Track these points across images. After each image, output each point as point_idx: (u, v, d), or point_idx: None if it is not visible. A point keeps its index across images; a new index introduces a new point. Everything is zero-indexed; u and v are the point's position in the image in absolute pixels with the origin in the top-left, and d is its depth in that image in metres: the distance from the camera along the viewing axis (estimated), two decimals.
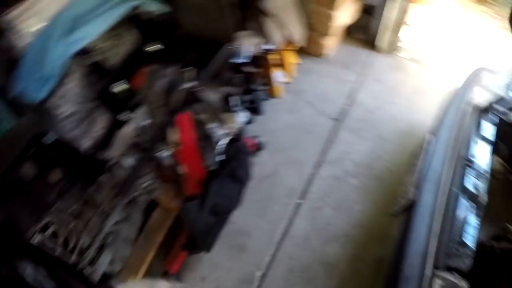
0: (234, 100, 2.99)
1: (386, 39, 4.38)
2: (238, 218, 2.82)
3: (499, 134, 2.81)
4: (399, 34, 4.39)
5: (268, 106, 3.49)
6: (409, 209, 2.16)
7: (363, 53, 4.33)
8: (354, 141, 3.45)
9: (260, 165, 3.11)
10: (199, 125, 2.46)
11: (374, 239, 2.81)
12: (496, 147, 3.03)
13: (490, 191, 2.38)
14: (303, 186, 3.08)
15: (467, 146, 2.40)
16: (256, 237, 2.80)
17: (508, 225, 1.81)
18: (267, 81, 3.49)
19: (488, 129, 2.57)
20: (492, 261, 1.86)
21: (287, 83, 3.68)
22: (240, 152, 2.63)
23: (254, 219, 2.88)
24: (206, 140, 2.50)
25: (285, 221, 2.88)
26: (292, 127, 3.45)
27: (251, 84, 3.29)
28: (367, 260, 2.72)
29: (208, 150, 2.49)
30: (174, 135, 2.33)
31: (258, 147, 3.14)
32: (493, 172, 3.48)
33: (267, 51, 3.33)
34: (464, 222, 2.13)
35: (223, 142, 2.55)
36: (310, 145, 3.34)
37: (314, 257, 2.74)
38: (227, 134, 2.62)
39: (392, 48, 4.50)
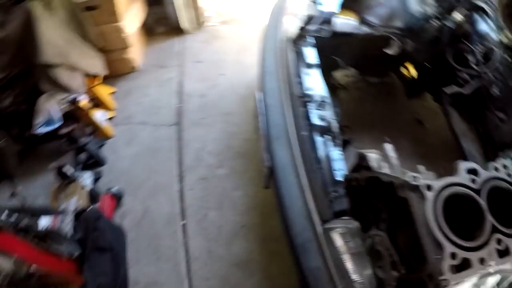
0: (68, 169, 2.70)
1: (187, 17, 4.23)
2: (138, 274, 2.57)
3: (326, 51, 2.76)
4: (199, 5, 4.25)
5: (106, 151, 3.21)
6: (272, 176, 2.03)
7: (174, 43, 4.17)
8: (203, 133, 3.29)
9: (129, 212, 2.86)
10: (25, 231, 2.16)
11: (270, 215, 2.68)
12: (333, 64, 2.99)
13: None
14: (179, 206, 2.87)
15: (298, 82, 2.29)
16: (165, 281, 2.57)
17: (361, 151, 1.70)
18: (93, 128, 3.21)
19: (311, 54, 2.47)
20: (363, 193, 1.76)
21: (112, 117, 3.41)
22: (92, 220, 2.38)
23: (153, 266, 2.63)
24: (47, 236, 2.21)
25: (181, 249, 2.66)
26: (139, 156, 3.20)
27: (78, 141, 3.01)
28: (276, 237, 2.57)
29: (57, 243, 2.22)
30: (7, 262, 2.02)
31: (118, 197, 2.88)
32: (347, 86, 3.50)
33: (76, 100, 3.04)
34: (329, 160, 2.03)
35: (70, 224, 2.31)
36: (164, 163, 3.12)
37: (227, 265, 2.57)
38: (73, 212, 2.40)
39: (199, 23, 4.37)
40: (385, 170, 1.63)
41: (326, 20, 2.62)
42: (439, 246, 1.33)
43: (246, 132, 3.17)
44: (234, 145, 3.13)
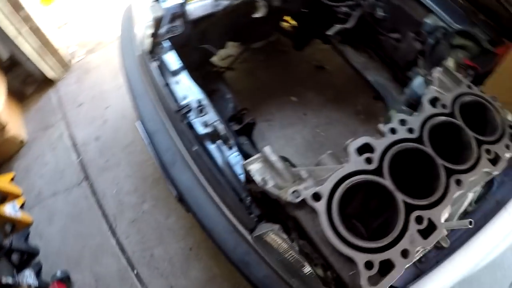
0: (7, 279, 2.55)
1: (50, 65, 3.99)
2: None
3: (193, 43, 2.65)
4: (57, 47, 4.00)
5: (34, 239, 3.02)
6: (184, 202, 1.96)
7: (49, 97, 3.92)
8: (113, 175, 3.18)
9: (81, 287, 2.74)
10: None
11: None
12: (207, 52, 2.86)
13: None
14: (124, 258, 2.79)
15: (171, 95, 2.18)
16: None
17: (244, 164, 1.55)
18: (11, 223, 3.01)
19: (172, 59, 2.33)
20: (265, 204, 1.69)
21: (23, 203, 3.20)
22: None
23: None
24: None
25: None
26: (65, 229, 3.04)
27: (2, 245, 2.82)
28: None
29: None
30: None
31: (66, 279, 2.76)
32: (232, 65, 3.38)
33: None
34: (230, 166, 1.97)
35: None
36: (92, 224, 2.99)
37: None
38: None
39: (65, 64, 4.13)
40: (270, 182, 1.43)
41: (177, 14, 2.49)
42: (349, 260, 1.15)
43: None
44: (148, 173, 3.04)
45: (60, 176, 3.29)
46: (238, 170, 1.92)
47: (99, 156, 3.30)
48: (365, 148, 1.34)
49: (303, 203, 1.25)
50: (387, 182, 1.26)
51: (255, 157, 1.53)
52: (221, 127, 2.02)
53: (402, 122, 1.44)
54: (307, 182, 1.35)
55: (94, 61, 4.14)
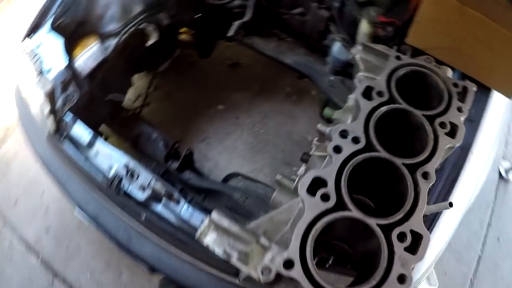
0: None
1: None
2: None
3: (98, 100, 2.54)
4: None
5: None
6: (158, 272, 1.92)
7: None
8: (80, 260, 3.00)
9: None
10: None
11: None
12: (115, 103, 2.72)
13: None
14: None
15: (96, 170, 2.03)
16: None
17: (199, 236, 1.40)
18: None
19: (81, 130, 2.18)
20: None
21: None
22: None
23: None
24: None
25: None
26: None
27: None
28: None
29: None
30: None
31: None
32: (145, 101, 3.22)
33: None
34: (185, 221, 1.87)
35: None
36: None
37: None
38: None
39: None
40: (234, 254, 1.29)
41: (67, 80, 2.32)
42: None
43: None
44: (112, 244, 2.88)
45: (30, 285, 3.07)
46: (194, 221, 1.84)
47: (57, 247, 3.11)
48: (316, 183, 1.17)
49: (278, 277, 1.10)
50: (353, 213, 1.13)
51: (205, 224, 1.39)
52: (159, 185, 1.92)
53: (343, 134, 1.28)
54: (271, 249, 1.22)
55: (11, 149, 3.87)
